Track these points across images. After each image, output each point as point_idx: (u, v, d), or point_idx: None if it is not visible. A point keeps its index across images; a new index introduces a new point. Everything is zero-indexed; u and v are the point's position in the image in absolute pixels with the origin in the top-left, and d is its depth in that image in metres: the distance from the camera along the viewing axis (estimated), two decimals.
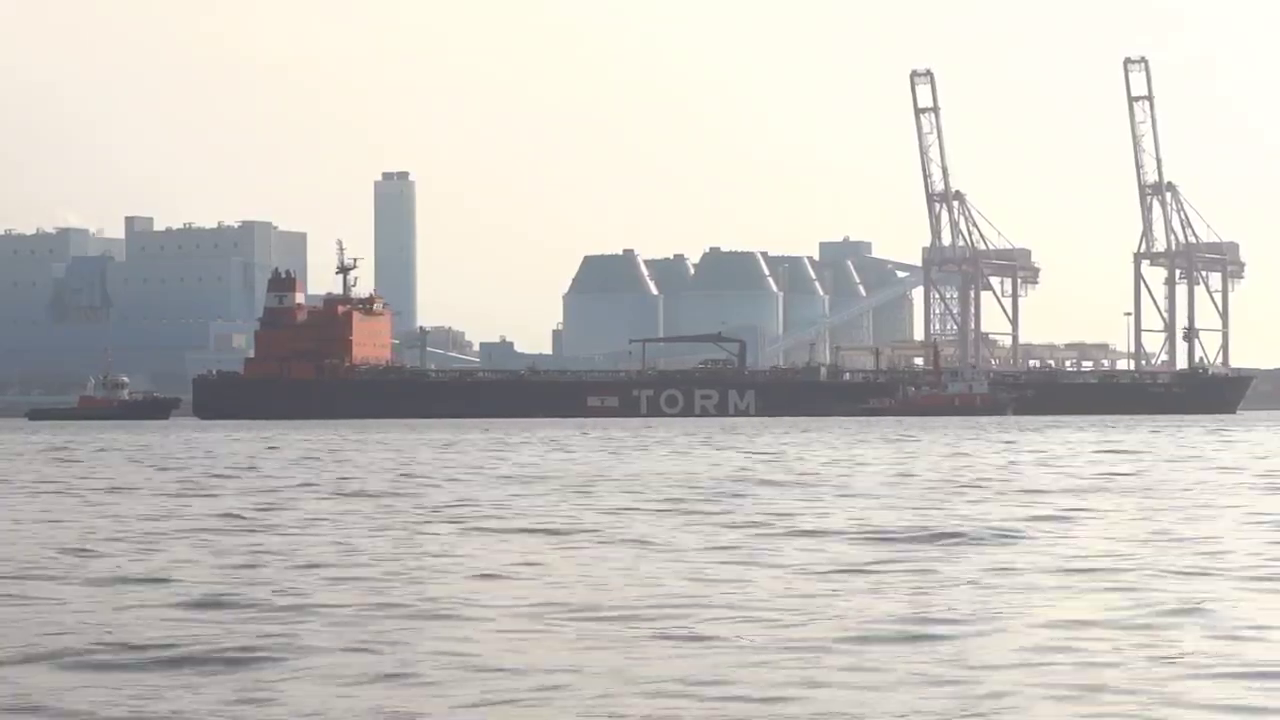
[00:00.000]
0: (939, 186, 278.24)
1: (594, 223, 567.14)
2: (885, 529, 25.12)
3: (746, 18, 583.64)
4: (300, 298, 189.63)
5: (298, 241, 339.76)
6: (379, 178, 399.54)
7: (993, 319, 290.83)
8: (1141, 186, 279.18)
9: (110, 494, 37.28)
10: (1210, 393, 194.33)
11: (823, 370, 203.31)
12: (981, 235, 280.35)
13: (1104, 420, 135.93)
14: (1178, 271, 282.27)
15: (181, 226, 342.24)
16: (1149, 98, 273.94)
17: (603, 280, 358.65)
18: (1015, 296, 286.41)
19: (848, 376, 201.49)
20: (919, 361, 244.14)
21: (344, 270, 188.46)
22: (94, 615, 15.91)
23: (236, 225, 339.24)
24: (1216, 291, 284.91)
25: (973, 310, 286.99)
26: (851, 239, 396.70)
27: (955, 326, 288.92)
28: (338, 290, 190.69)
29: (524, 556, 21.65)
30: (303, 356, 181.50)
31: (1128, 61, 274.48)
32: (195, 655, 13.28)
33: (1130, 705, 11.20)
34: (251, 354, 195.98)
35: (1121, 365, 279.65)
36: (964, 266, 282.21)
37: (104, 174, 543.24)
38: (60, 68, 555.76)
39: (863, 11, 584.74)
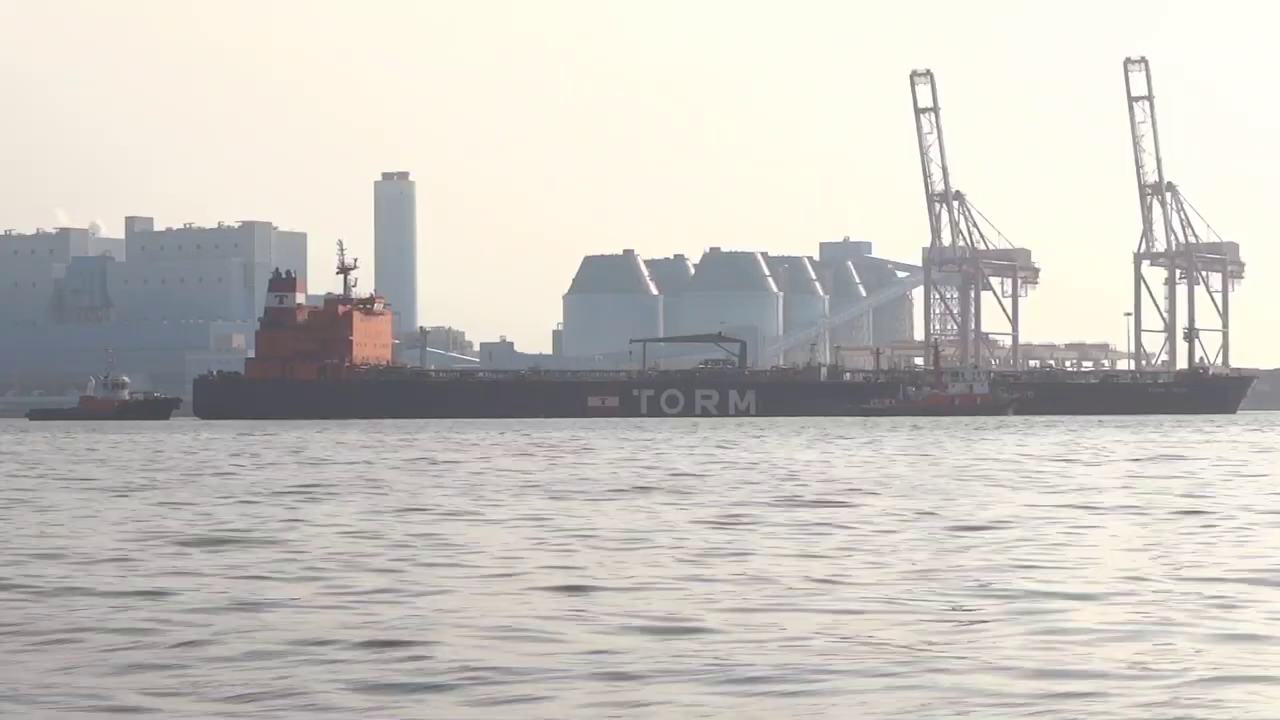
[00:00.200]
0: (939, 186, 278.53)
1: (594, 223, 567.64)
2: None
3: (746, 18, 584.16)
4: (301, 298, 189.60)
5: (298, 241, 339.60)
6: (379, 178, 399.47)
7: (993, 319, 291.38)
8: (1141, 186, 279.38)
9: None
10: (1211, 393, 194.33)
11: (823, 370, 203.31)
12: (981, 235, 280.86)
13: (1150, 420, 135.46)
14: (1178, 271, 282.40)
15: (181, 226, 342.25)
16: (1149, 98, 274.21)
17: (603, 280, 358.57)
18: (1015, 296, 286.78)
19: (848, 377, 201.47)
20: (919, 362, 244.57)
21: (344, 270, 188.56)
22: None
23: (236, 225, 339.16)
24: (1216, 291, 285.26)
25: (973, 310, 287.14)
26: (851, 239, 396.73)
27: (955, 327, 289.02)
28: (338, 290, 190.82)
29: None
30: (303, 357, 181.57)
31: (1128, 61, 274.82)
32: None
33: None
34: (252, 354, 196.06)
35: (1122, 365, 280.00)
36: (964, 266, 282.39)
37: (104, 174, 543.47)
38: (61, 68, 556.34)
39: (863, 11, 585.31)
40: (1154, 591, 17.58)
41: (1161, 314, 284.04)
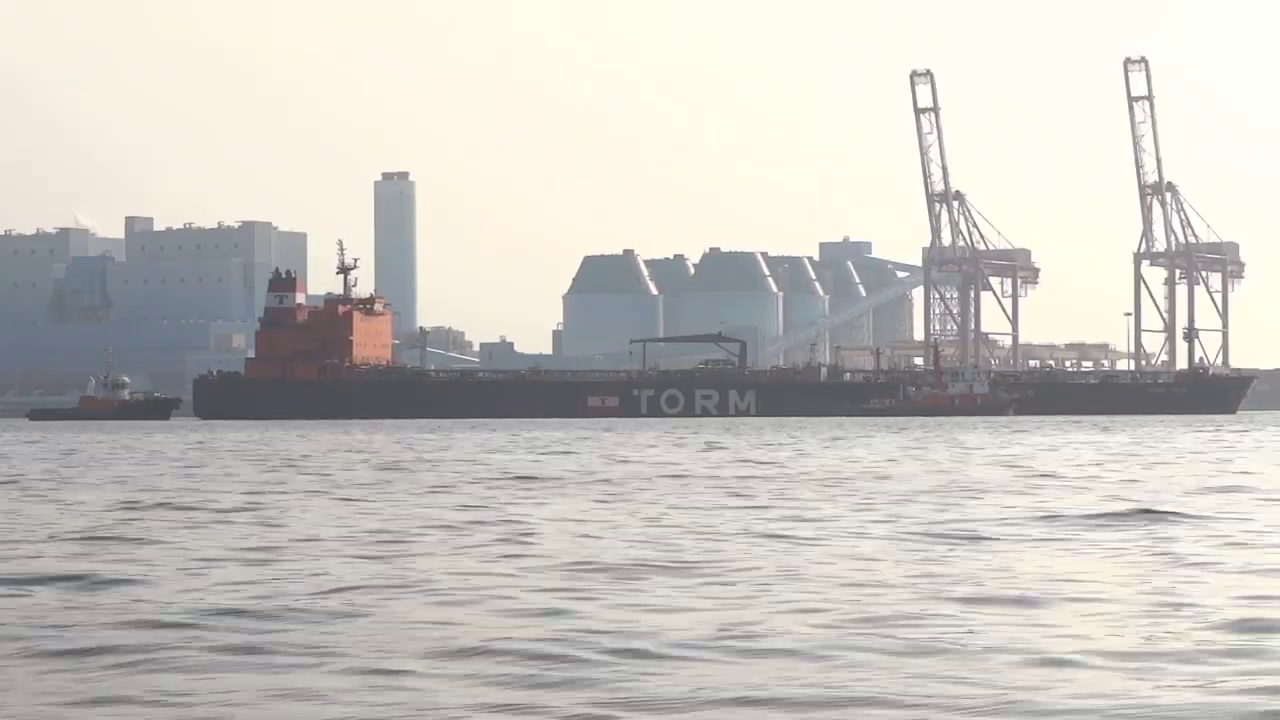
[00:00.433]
0: (939, 186, 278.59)
1: (594, 223, 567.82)
2: None
3: (747, 18, 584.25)
4: (301, 298, 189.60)
5: (298, 241, 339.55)
6: (379, 178, 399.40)
7: (993, 319, 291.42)
8: (1141, 186, 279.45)
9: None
10: (1211, 393, 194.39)
11: (823, 370, 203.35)
12: (981, 235, 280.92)
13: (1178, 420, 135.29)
14: (1178, 271, 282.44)
15: (181, 226, 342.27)
16: (1149, 98, 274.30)
17: (603, 280, 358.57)
18: (1015, 296, 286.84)
19: (848, 377, 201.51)
20: (919, 362, 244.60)
21: (344, 270, 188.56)
22: None
23: (236, 225, 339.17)
24: (1216, 291, 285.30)
25: (973, 310, 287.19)
26: (851, 239, 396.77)
27: (955, 327, 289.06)
28: (338, 290, 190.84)
29: None
30: (303, 357, 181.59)
31: (1128, 61, 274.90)
32: None
33: None
34: (252, 354, 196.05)
35: (1121, 365, 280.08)
36: (964, 266, 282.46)
37: (104, 174, 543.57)
38: (61, 68, 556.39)
39: (863, 11, 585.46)
40: None
41: (1161, 314, 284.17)
